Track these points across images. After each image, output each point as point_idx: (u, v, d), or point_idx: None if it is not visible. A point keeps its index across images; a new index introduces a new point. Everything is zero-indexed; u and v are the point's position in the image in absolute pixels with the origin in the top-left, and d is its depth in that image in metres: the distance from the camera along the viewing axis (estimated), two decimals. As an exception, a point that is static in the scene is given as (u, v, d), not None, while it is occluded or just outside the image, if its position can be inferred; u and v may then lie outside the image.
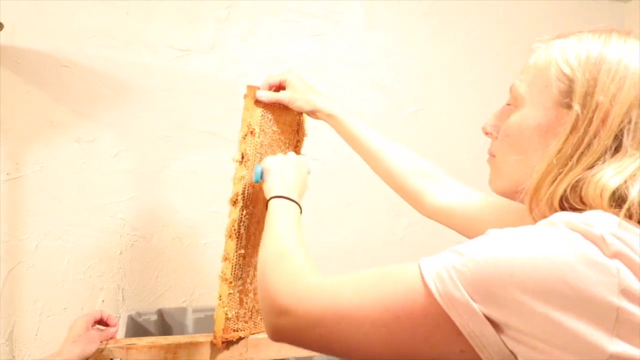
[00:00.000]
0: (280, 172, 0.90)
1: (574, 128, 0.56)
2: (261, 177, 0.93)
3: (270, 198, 0.85)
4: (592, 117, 0.55)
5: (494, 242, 0.52)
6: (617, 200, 0.53)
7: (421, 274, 0.53)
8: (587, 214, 0.52)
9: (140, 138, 1.41)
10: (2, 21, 1.11)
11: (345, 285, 0.58)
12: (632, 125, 0.55)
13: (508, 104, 0.67)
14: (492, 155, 0.68)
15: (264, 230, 0.80)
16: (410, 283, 0.54)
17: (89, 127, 1.37)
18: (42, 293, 1.36)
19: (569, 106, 0.57)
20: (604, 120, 0.55)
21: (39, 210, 1.35)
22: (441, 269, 0.52)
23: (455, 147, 1.74)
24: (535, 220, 0.55)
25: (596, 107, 0.55)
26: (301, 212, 0.86)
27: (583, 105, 0.56)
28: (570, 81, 0.58)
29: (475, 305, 0.50)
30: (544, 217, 0.55)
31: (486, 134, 0.70)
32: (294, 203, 0.85)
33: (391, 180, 0.96)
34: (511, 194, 0.65)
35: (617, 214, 0.52)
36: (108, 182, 1.39)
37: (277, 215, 0.81)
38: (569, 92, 0.58)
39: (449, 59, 1.71)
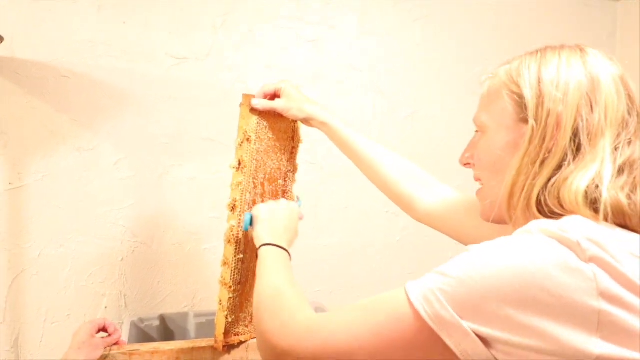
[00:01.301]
0: (270, 219, 0.93)
1: (531, 138, 0.60)
2: (250, 223, 0.96)
3: (260, 246, 0.88)
4: (546, 124, 0.59)
5: (474, 259, 0.54)
6: (591, 202, 0.56)
7: (408, 299, 0.55)
8: (564, 220, 0.54)
9: (139, 146, 1.43)
10: (1, 34, 1.13)
11: (338, 320, 0.60)
12: (584, 123, 0.58)
13: (477, 131, 0.72)
14: (478, 180, 0.72)
15: (256, 279, 0.82)
16: (399, 310, 0.56)
17: (89, 136, 1.39)
18: (45, 300, 1.38)
19: (526, 120, 0.62)
20: (558, 125, 0.59)
21: (42, 218, 1.37)
22: (427, 292, 0.54)
23: (451, 150, 1.75)
24: (516, 229, 0.57)
25: (548, 115, 0.60)
26: (290, 259, 0.88)
27: (536, 117, 0.60)
28: (521, 98, 0.63)
29: (464, 323, 0.52)
30: (524, 224, 0.57)
31: (464, 165, 0.75)
32: (283, 250, 0.87)
33: (383, 186, 0.99)
34: (502, 219, 0.67)
35: (595, 218, 0.55)
36: (109, 189, 1.41)
37: (267, 263, 0.84)
38: (522, 108, 0.63)
39: (443, 63, 1.73)
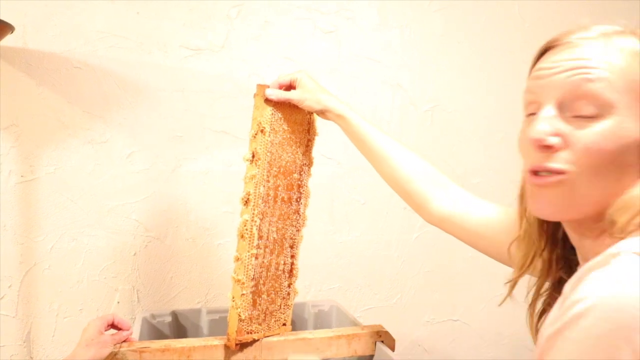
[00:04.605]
0: None
1: None
2: None
3: None
4: None
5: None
6: None
7: None
8: None
9: (152, 138, 1.41)
10: (13, 24, 1.11)
11: None
12: None
13: (582, 116, 0.55)
14: (560, 173, 0.56)
15: None
16: None
17: (102, 128, 1.37)
18: (58, 294, 1.37)
19: None
20: None
21: (54, 211, 1.35)
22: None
23: (473, 146, 1.71)
24: (585, 244, 0.52)
25: None
26: None
27: None
28: None
29: None
30: (609, 244, 0.49)
31: (545, 147, 0.56)
32: None
33: (396, 184, 0.94)
34: (576, 220, 0.58)
35: None
36: (121, 183, 1.39)
37: None
38: None
39: (465, 55, 1.68)
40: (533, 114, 0.60)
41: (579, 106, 0.55)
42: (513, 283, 0.71)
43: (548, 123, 0.56)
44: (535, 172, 0.58)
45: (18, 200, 1.32)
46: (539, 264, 0.68)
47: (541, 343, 0.49)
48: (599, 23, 0.60)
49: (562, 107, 0.56)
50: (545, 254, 0.67)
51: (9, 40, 1.23)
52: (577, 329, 0.44)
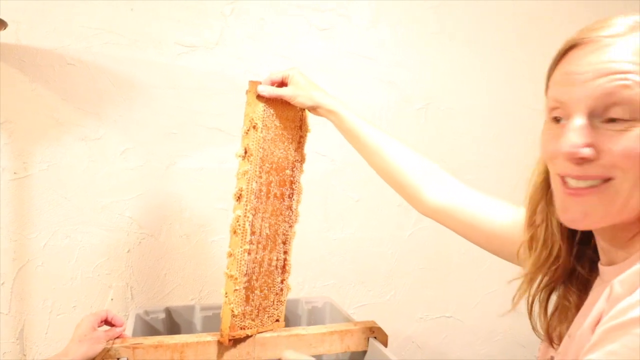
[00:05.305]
0: None
1: None
2: None
3: None
4: None
5: None
6: None
7: None
8: None
9: (146, 135, 1.41)
10: (6, 20, 1.11)
11: None
12: None
13: (613, 119, 0.54)
14: (605, 179, 0.55)
15: None
16: None
17: (96, 125, 1.37)
18: (51, 291, 1.37)
19: None
20: None
21: (47, 208, 1.35)
22: None
23: (467, 143, 1.72)
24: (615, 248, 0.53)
25: None
26: None
27: None
28: None
29: None
30: None
31: (580, 159, 0.55)
32: None
33: (389, 176, 0.94)
34: (609, 226, 0.57)
35: None
36: (115, 180, 1.39)
37: None
38: None
39: (459, 52, 1.68)
40: (559, 118, 0.58)
41: (613, 112, 0.53)
42: (523, 292, 0.69)
43: (580, 134, 0.54)
44: (565, 180, 0.57)
45: (11, 197, 1.32)
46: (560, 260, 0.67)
47: (591, 336, 0.50)
48: (620, 15, 0.58)
49: (594, 114, 0.54)
50: (565, 254, 0.66)
51: (2, 36, 1.23)
52: None
